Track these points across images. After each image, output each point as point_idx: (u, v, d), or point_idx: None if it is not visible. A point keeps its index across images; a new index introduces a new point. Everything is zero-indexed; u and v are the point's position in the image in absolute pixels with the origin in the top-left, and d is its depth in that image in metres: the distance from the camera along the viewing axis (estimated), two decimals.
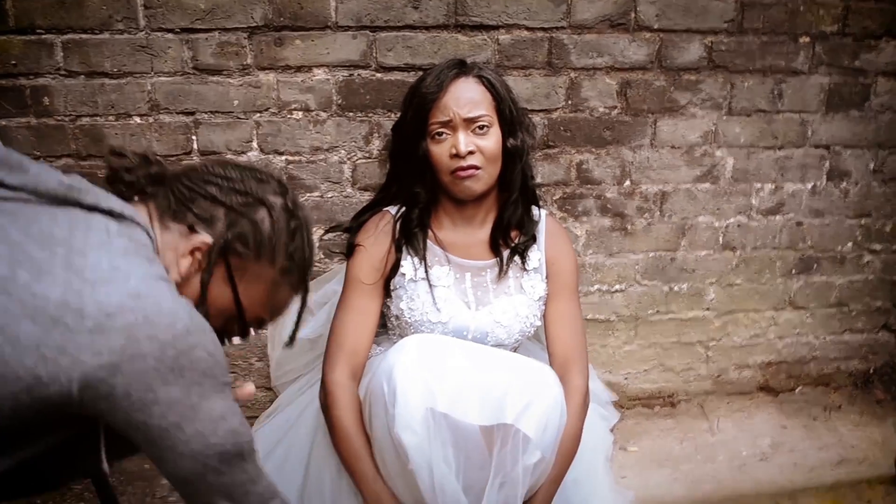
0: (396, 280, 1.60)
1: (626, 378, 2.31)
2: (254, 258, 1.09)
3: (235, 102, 1.86)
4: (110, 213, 0.98)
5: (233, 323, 1.14)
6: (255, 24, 1.80)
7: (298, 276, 1.18)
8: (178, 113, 1.86)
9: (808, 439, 2.23)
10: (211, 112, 1.87)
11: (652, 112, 2.06)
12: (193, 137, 1.88)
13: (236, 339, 1.18)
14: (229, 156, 1.88)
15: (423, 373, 1.33)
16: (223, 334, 1.14)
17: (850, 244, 2.33)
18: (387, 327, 1.69)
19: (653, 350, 2.30)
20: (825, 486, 2.02)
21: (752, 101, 2.11)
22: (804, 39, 2.09)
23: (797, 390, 2.47)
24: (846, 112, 2.19)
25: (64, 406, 0.89)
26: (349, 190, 1.96)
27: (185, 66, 1.83)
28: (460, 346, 1.46)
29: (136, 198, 1.09)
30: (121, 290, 0.90)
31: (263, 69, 1.84)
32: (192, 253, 1.06)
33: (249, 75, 1.84)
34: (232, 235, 1.07)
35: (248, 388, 1.23)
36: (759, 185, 2.20)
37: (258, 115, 1.88)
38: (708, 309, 2.30)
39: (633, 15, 1.97)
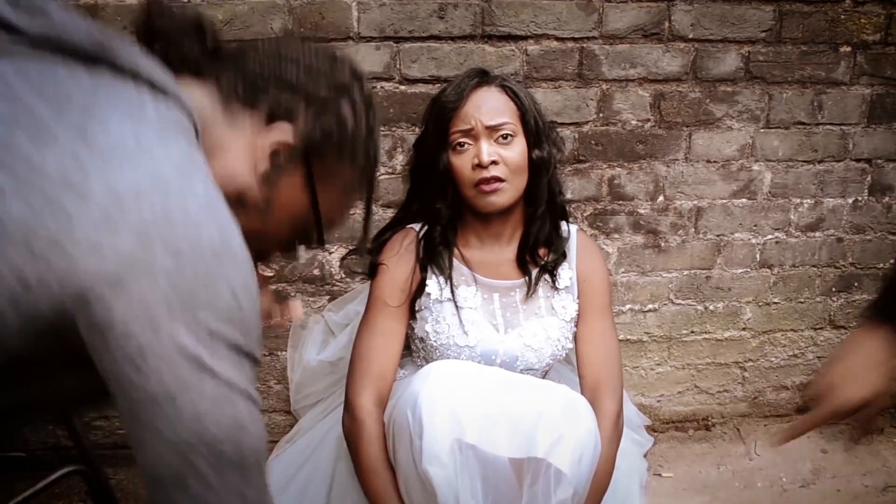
0: (422, 301, 1.54)
1: (658, 401, 2.23)
2: (335, 158, 0.90)
3: None
4: (150, 84, 0.75)
5: (303, 231, 0.93)
6: (274, 35, 1.74)
7: (371, 174, 1.00)
8: None
9: (850, 464, 2.13)
10: None
11: (686, 125, 1.99)
12: None
13: (303, 252, 0.96)
14: None
15: (450, 401, 1.27)
16: (290, 244, 0.95)
17: (892, 261, 2.23)
18: (410, 350, 1.63)
19: (686, 371, 2.21)
20: None
21: (791, 112, 2.03)
22: (845, 49, 2.01)
23: None
24: (889, 124, 2.10)
25: (56, 332, 0.67)
26: (372, 207, 1.89)
27: None
28: (488, 372, 1.40)
29: (186, 75, 0.83)
30: (142, 171, 0.68)
31: None
32: (272, 151, 0.86)
33: None
34: (318, 133, 0.86)
35: (296, 308, 1.00)
36: (797, 200, 2.11)
37: None
38: (744, 328, 2.20)
39: (667, 24, 1.90)
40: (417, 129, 1.80)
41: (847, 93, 2.04)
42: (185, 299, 0.67)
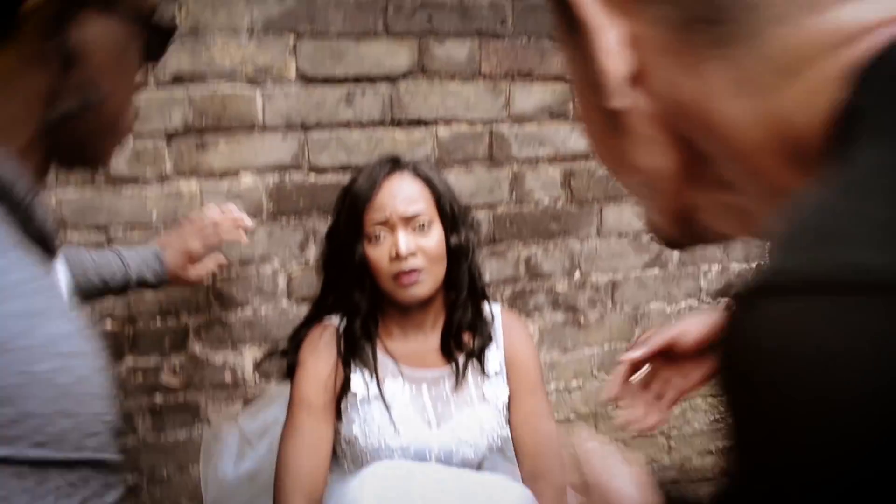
0: (347, 400, 1.44)
1: None
2: None
3: (154, 214, 1.68)
4: None
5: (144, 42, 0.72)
6: (174, 129, 1.64)
7: None
8: (88, 229, 1.66)
9: None
10: (127, 226, 1.68)
11: (597, 200, 2.01)
12: None
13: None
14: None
15: None
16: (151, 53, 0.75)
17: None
18: (335, 453, 1.52)
19: (615, 447, 2.18)
20: None
21: None
22: None
23: None
24: None
25: None
26: (285, 303, 1.79)
27: (95, 177, 1.64)
28: (427, 473, 1.32)
29: None
30: None
31: (184, 176, 1.68)
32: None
33: (169, 184, 1.67)
34: None
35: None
36: (706, 267, 2.17)
37: None
38: None
39: (572, 103, 1.93)
40: (330, 220, 1.73)
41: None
42: None
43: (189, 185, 1.68)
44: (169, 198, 1.67)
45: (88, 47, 0.66)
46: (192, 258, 1.50)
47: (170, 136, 1.65)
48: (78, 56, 0.65)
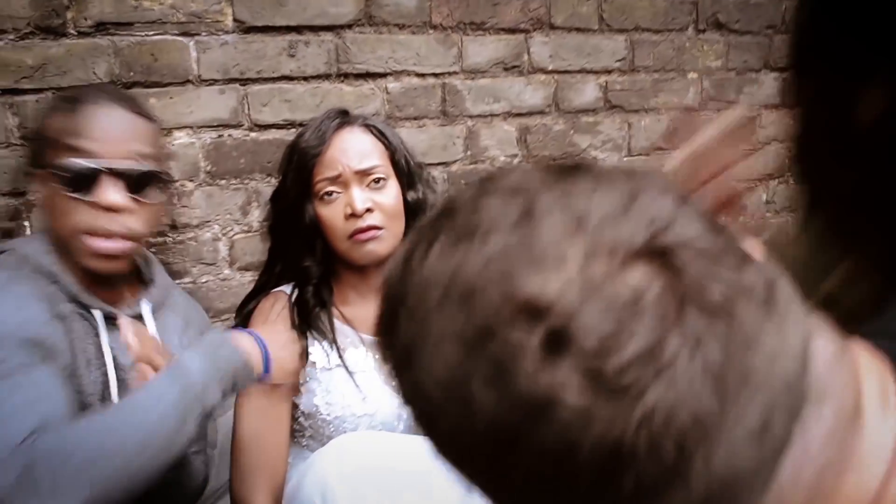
0: (306, 371, 1.34)
1: None
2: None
3: None
4: None
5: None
6: (98, 82, 1.49)
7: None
8: (4, 195, 1.51)
9: None
10: None
11: (554, 158, 1.94)
12: (26, 224, 1.52)
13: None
14: None
15: (364, 485, 1.12)
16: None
17: None
18: (292, 431, 1.42)
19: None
20: None
21: (650, 139, 2.05)
22: (692, 75, 2.07)
23: None
24: None
25: None
26: (227, 271, 1.66)
27: (9, 136, 1.48)
28: (398, 443, 1.23)
29: None
30: None
31: None
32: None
33: None
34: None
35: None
36: None
37: None
38: None
39: (526, 57, 1.86)
40: (273, 181, 1.62)
41: (698, 117, 2.10)
42: None
43: None
44: None
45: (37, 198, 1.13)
46: None
47: None
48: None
